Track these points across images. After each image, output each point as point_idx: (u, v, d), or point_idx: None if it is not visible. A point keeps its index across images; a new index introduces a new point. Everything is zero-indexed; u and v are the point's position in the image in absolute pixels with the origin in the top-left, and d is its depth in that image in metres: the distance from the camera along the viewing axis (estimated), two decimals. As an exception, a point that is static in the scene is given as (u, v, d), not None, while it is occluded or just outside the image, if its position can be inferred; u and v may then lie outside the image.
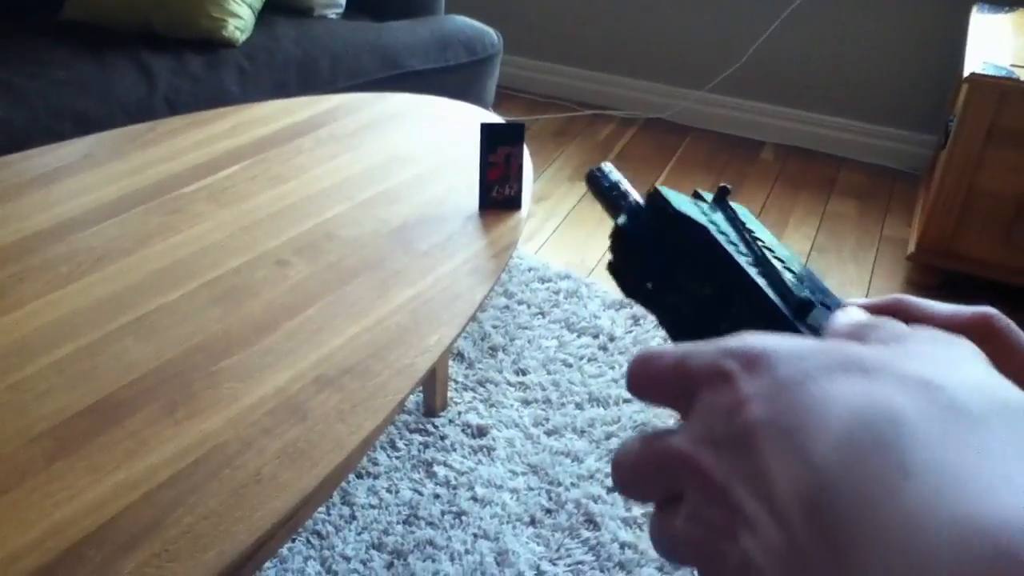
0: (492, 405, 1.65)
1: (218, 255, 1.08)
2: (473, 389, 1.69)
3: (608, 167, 0.43)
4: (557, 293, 1.96)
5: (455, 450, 1.55)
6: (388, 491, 1.45)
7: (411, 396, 1.64)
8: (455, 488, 1.47)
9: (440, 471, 1.50)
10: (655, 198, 0.37)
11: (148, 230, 1.12)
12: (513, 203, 1.22)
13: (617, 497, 1.47)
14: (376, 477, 1.48)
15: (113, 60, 1.82)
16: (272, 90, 1.85)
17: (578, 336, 1.84)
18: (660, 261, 0.37)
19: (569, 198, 2.38)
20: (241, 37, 1.93)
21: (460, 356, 1.76)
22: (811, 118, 2.62)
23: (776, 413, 0.22)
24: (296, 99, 1.54)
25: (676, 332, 0.36)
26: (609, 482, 1.49)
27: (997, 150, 1.87)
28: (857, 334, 0.26)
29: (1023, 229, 1.91)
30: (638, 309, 1.91)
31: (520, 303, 1.93)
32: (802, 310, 0.30)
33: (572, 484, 1.49)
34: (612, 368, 1.75)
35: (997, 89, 1.83)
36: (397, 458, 1.52)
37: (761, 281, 0.31)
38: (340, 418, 0.84)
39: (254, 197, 1.20)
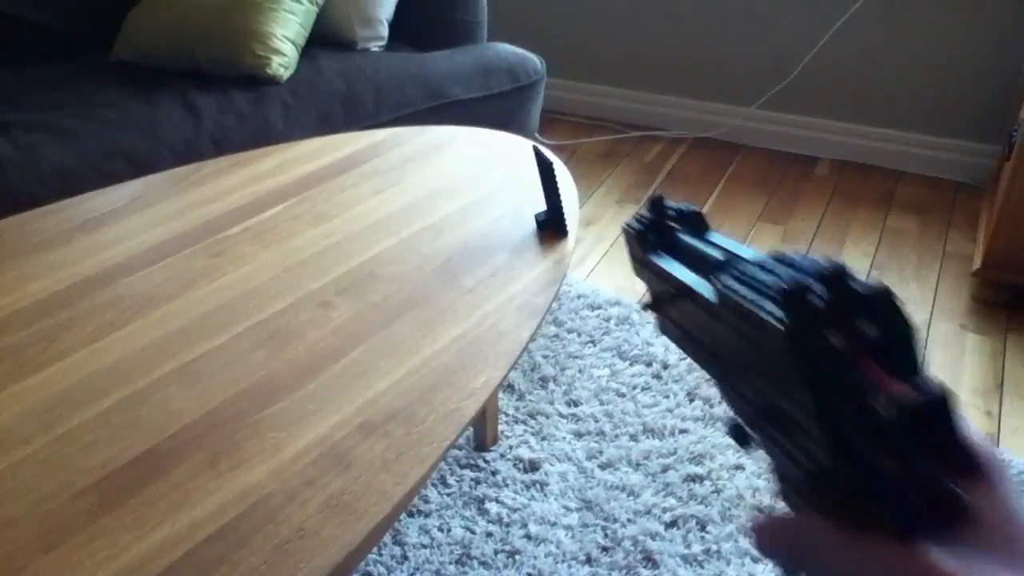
0: (544, 438, 1.61)
1: (262, 298, 1.07)
2: (524, 422, 1.65)
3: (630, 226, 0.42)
4: (608, 320, 1.92)
5: (507, 486, 1.51)
6: (440, 530, 1.43)
7: (461, 430, 1.62)
8: (508, 526, 1.43)
9: (492, 508, 1.47)
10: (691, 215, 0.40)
11: (193, 273, 1.11)
12: (560, 229, 1.19)
13: (676, 533, 1.42)
14: (427, 515, 1.45)
15: (161, 99, 1.84)
16: (317, 125, 1.85)
17: (631, 364, 1.79)
18: (664, 287, 0.37)
19: (617, 221, 2.34)
20: (285, 73, 1.94)
21: (510, 388, 1.72)
22: (866, 131, 2.54)
23: None
24: (339, 135, 1.54)
25: (700, 361, 0.36)
26: (667, 516, 1.44)
27: (1066, 160, 1.79)
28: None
29: (1098, 242, 1.82)
30: (692, 335, 1.86)
31: (570, 331, 1.89)
32: (796, 306, 0.27)
33: (628, 520, 1.44)
34: (667, 397, 1.71)
35: (1065, 96, 1.75)
36: (448, 495, 1.49)
37: (739, 299, 0.30)
38: (385, 467, 0.82)
39: (298, 236, 1.20)
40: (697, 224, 0.40)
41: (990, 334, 1.89)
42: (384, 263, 1.13)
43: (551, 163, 1.17)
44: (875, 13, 2.38)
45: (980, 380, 1.76)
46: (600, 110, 2.88)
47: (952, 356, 1.83)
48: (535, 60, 2.11)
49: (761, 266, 0.30)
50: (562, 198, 1.19)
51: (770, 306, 0.28)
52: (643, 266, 0.40)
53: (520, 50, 2.14)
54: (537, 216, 1.21)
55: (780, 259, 0.30)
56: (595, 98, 2.90)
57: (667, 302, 0.38)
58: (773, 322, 0.27)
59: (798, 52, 2.52)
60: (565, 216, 1.18)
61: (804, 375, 0.26)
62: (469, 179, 1.35)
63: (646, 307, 0.43)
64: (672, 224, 0.40)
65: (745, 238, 2.24)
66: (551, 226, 1.20)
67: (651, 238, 0.41)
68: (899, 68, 2.43)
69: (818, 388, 0.26)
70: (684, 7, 2.64)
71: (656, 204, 0.41)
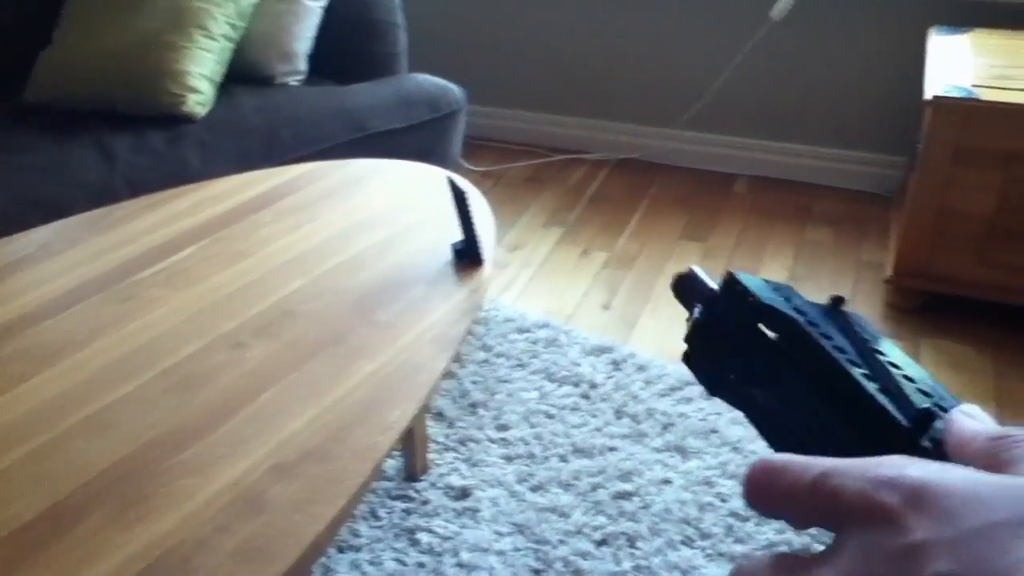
0: (475, 464, 1.62)
1: (173, 342, 1.06)
2: (455, 449, 1.66)
3: (697, 270, 0.39)
4: (536, 343, 1.94)
5: (438, 515, 1.51)
6: (371, 564, 1.42)
7: (391, 461, 1.61)
8: (440, 555, 1.44)
9: (424, 538, 1.47)
10: (731, 284, 0.34)
11: (103, 320, 1.10)
12: (476, 258, 1.21)
13: (606, 551, 1.44)
14: (358, 550, 1.44)
15: (74, 141, 1.81)
16: (235, 162, 1.84)
17: (559, 386, 1.82)
18: (743, 353, 0.33)
19: (544, 245, 2.37)
20: (202, 111, 1.93)
21: (440, 416, 1.73)
22: (782, 148, 2.63)
23: (968, 573, 0.19)
24: (256, 172, 1.53)
25: (772, 436, 0.32)
26: (597, 535, 1.46)
27: (964, 170, 1.88)
28: (1001, 449, 0.23)
29: (996, 246, 1.91)
30: (618, 354, 1.89)
31: (499, 356, 1.91)
32: (923, 422, 0.27)
33: (560, 541, 1.46)
34: (595, 416, 1.73)
35: (959, 111, 1.84)
36: (379, 528, 1.49)
37: (869, 384, 0.28)
38: (298, 508, 0.82)
39: (212, 277, 1.19)
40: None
41: (905, 339, 1.96)
42: (299, 301, 1.13)
43: (464, 193, 1.18)
44: (784, 34, 2.47)
45: (895, 384, 1.83)
46: (525, 135, 2.92)
47: (868, 362, 1.90)
48: (455, 90, 2.14)
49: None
50: (476, 227, 1.20)
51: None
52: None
53: (440, 80, 2.16)
54: (454, 246, 1.23)
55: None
56: (520, 123, 2.94)
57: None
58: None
59: (713, 73, 2.59)
60: (480, 245, 1.20)
61: None
62: (388, 212, 1.36)
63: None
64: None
65: (668, 256, 2.29)
66: (467, 256, 1.21)
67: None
68: (810, 86, 2.53)
69: None
70: (601, 32, 2.70)
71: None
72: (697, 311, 0.36)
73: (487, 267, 1.20)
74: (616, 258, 2.30)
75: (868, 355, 0.30)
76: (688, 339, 0.37)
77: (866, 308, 2.07)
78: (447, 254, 1.23)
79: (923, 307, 2.03)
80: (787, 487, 0.24)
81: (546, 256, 2.33)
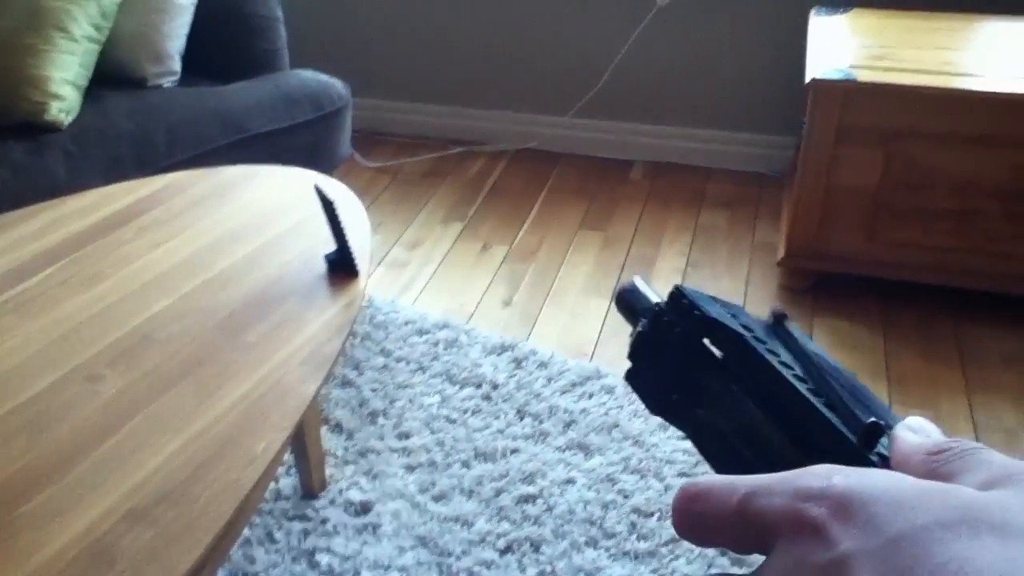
0: (375, 476, 1.57)
1: (23, 376, 0.98)
2: (354, 462, 1.60)
3: (639, 282, 0.38)
4: (436, 344, 1.90)
5: (338, 533, 1.46)
6: (266, 590, 1.36)
7: (288, 479, 1.55)
8: None
9: (323, 559, 1.41)
10: (677, 297, 0.33)
11: (-60, 359, 1.01)
12: (350, 269, 1.16)
13: (511, 558, 1.41)
14: (252, 577, 1.38)
15: (-77, 158, 1.68)
16: (105, 171, 1.74)
17: (461, 388, 1.78)
18: (688, 370, 0.32)
19: (443, 242, 2.32)
20: (67, 119, 1.81)
21: (338, 428, 1.67)
22: (676, 132, 2.64)
23: None
24: (120, 184, 1.44)
25: (716, 457, 0.32)
26: (501, 543, 1.43)
27: (848, 148, 1.91)
28: (941, 462, 0.23)
29: (881, 223, 1.95)
30: (519, 351, 1.86)
31: (399, 360, 1.86)
32: (871, 436, 0.26)
33: (463, 552, 1.42)
34: (497, 418, 1.70)
35: (839, 92, 1.87)
36: (276, 551, 1.43)
37: (815, 400, 0.28)
38: (153, 557, 0.76)
39: (66, 303, 1.10)
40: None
41: (798, 320, 1.99)
42: (160, 325, 1.06)
43: (332, 201, 1.13)
44: (672, 19, 2.48)
45: (791, 365, 1.85)
46: (422, 128, 2.86)
47: (765, 344, 1.92)
48: (339, 85, 2.06)
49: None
50: (349, 236, 1.15)
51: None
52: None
53: (323, 76, 2.08)
54: (327, 257, 1.17)
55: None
56: (417, 116, 2.88)
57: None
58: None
59: (604, 60, 2.58)
60: (353, 255, 1.15)
61: None
62: (259, 222, 1.29)
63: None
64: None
65: (568, 247, 2.28)
66: (341, 266, 1.16)
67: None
68: (700, 70, 2.54)
69: None
70: (494, 22, 2.66)
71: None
72: (641, 325, 0.35)
73: (362, 279, 1.14)
74: (516, 252, 2.27)
75: (813, 371, 0.30)
76: (631, 355, 0.35)
77: (761, 290, 2.09)
78: (322, 265, 1.17)
79: (816, 287, 2.07)
80: (713, 513, 0.23)
81: (446, 253, 2.28)
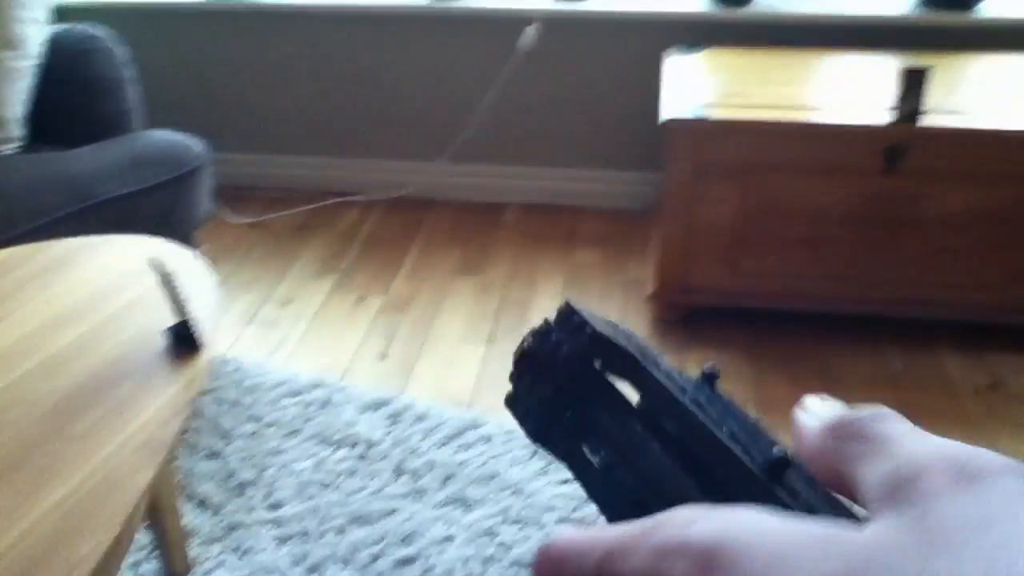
0: (245, 553, 1.50)
1: None
2: (221, 539, 1.52)
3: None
4: (309, 406, 1.84)
5: (204, 618, 1.38)
6: None
7: (148, 564, 1.46)
8: (206, 665, 1.30)
9: (188, 648, 1.33)
10: (567, 313, 0.30)
11: None
12: (192, 343, 1.10)
13: (390, 626, 1.36)
14: (109, 677, 1.28)
15: None
16: (-66, 248, 1.62)
17: (335, 450, 1.72)
18: (574, 394, 0.29)
19: (316, 297, 2.27)
20: None
21: (203, 504, 1.59)
22: (547, 173, 2.67)
23: None
24: (-58, 264, 1.34)
25: (602, 495, 0.29)
26: (379, 611, 1.38)
27: (706, 184, 1.96)
28: (840, 441, 0.20)
29: (741, 255, 2.01)
30: (396, 406, 1.83)
31: (270, 425, 1.79)
32: (777, 468, 0.24)
33: (339, 625, 1.37)
34: (373, 478, 1.65)
35: (693, 131, 1.92)
36: (135, 645, 1.34)
37: (716, 430, 0.25)
38: None
39: None
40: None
41: (672, 354, 2.02)
42: (-22, 421, 0.98)
43: (169, 273, 1.08)
44: (535, 63, 2.51)
45: (666, 399, 1.87)
46: (294, 180, 2.81)
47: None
48: (194, 144, 2.00)
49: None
50: (194, 306, 1.10)
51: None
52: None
53: (177, 136, 2.01)
54: (168, 331, 1.12)
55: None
56: (288, 169, 2.82)
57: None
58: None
59: (471, 104, 2.60)
60: (195, 328, 1.10)
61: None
62: (96, 298, 1.22)
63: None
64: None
65: (444, 295, 2.26)
66: (184, 341, 1.10)
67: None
68: (566, 111, 2.58)
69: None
70: (357, 70, 2.64)
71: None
72: (526, 342, 0.31)
73: (206, 352, 1.09)
74: (391, 302, 2.24)
75: (716, 404, 0.27)
76: (512, 377, 0.31)
77: (635, 325, 2.12)
78: (162, 341, 1.12)
79: (687, 320, 2.11)
80: None
81: (319, 308, 2.23)
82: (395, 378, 1.97)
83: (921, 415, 1.79)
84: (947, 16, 2.29)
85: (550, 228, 2.55)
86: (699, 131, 1.92)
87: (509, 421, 1.80)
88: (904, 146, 1.85)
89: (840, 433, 0.21)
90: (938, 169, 1.87)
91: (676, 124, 1.92)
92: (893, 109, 1.85)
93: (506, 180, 2.69)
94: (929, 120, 1.84)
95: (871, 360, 1.98)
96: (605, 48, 2.49)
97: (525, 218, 2.61)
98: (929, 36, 2.30)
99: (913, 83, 1.82)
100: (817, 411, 0.23)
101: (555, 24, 2.47)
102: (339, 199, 2.73)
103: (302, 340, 2.11)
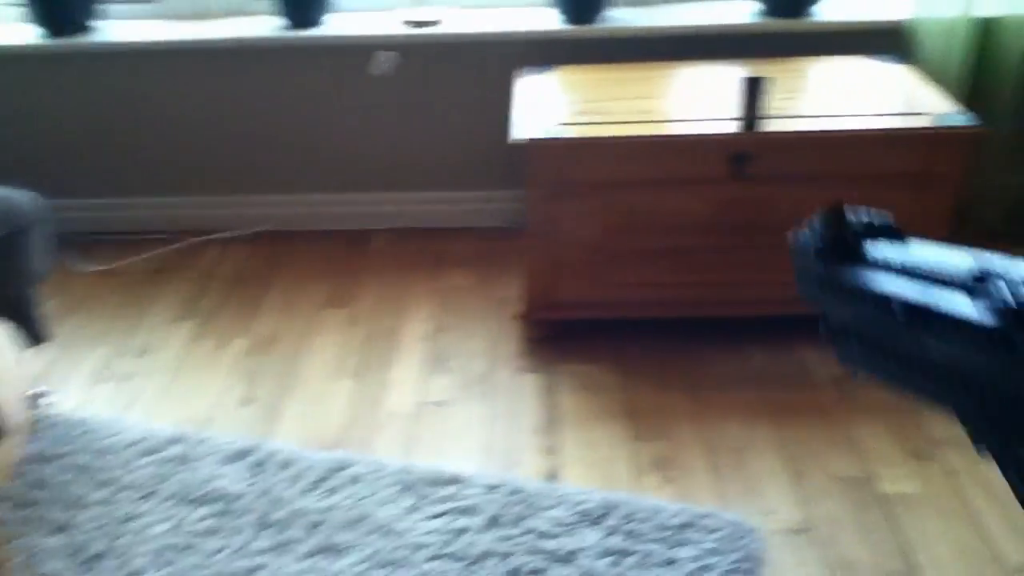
0: (96, 632, 1.40)
1: None
2: (70, 619, 1.42)
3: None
4: (167, 463, 1.74)
5: None
6: None
7: (-14, 658, 1.34)
8: None
9: None
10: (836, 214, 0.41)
11: None
12: None
13: None
14: None
15: None
16: None
17: (195, 507, 1.64)
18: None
19: (174, 344, 2.16)
20: None
21: (49, 583, 1.48)
22: (412, 197, 2.63)
23: None
24: None
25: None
26: None
27: (566, 201, 1.96)
28: None
29: (604, 268, 2.02)
30: (260, 454, 1.75)
31: (123, 489, 1.69)
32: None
33: None
34: (236, 535, 1.57)
35: (549, 149, 1.92)
36: None
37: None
38: None
39: None
40: (891, 235, 0.35)
41: (544, 371, 2.01)
42: None
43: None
44: (391, 88, 2.47)
45: (540, 418, 1.86)
46: (146, 223, 2.68)
47: (514, 400, 1.92)
48: (24, 199, 1.86)
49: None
50: (-7, 386, 1.01)
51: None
52: (826, 287, 0.36)
53: (3, 191, 1.88)
54: (-29, 412, 1.02)
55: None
56: (138, 211, 2.69)
57: (858, 324, 0.34)
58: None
59: (326, 132, 2.54)
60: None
61: None
62: None
63: (829, 336, 0.38)
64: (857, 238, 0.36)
65: (310, 331, 2.19)
66: (-13, 421, 1.01)
67: (836, 255, 0.36)
68: (427, 134, 2.55)
69: None
70: (202, 107, 2.54)
71: (835, 216, 0.36)
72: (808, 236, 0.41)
73: (10, 439, 1.01)
74: (255, 343, 2.16)
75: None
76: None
77: (509, 345, 2.10)
78: (-37, 423, 1.02)
79: (557, 335, 2.11)
80: None
81: (178, 356, 2.12)
82: (260, 423, 1.89)
83: (780, 410, 1.84)
84: (784, 23, 2.37)
85: (419, 253, 2.51)
86: (554, 149, 1.92)
87: (377, 456, 1.75)
88: (748, 153, 1.90)
89: None
90: (781, 173, 1.92)
91: (532, 144, 1.91)
92: (736, 118, 1.90)
93: (371, 207, 2.64)
94: (769, 126, 1.89)
95: (735, 360, 2.02)
96: (461, 70, 2.47)
97: (393, 245, 2.57)
98: (771, 43, 2.37)
99: (753, 91, 1.87)
100: None
101: (409, 49, 2.43)
102: (195, 239, 2.62)
103: (160, 392, 2.00)
